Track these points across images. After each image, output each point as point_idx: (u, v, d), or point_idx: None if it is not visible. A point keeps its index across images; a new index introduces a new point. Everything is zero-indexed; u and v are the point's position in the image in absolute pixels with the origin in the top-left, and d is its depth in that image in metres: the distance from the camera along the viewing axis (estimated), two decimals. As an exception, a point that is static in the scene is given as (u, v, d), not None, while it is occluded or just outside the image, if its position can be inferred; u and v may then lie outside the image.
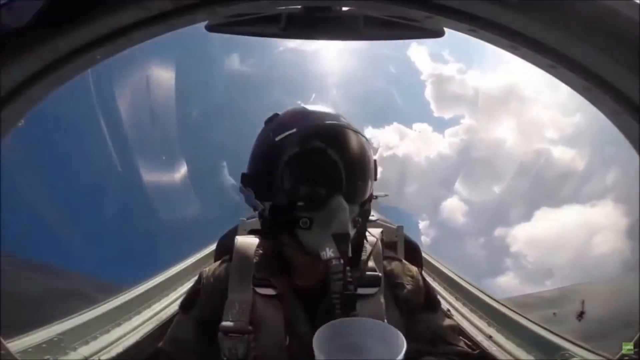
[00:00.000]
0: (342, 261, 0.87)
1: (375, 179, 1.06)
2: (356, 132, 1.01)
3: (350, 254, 0.89)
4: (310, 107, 1.04)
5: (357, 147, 0.99)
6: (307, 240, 0.94)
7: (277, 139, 0.98)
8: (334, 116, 1.02)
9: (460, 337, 1.16)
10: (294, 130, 0.96)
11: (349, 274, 0.89)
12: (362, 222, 1.00)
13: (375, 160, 1.06)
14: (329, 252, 0.87)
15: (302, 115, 1.02)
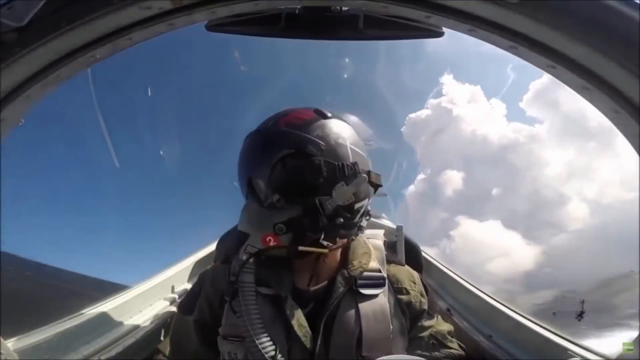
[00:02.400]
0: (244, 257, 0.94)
1: (348, 183, 0.92)
2: (312, 142, 0.93)
3: (256, 251, 0.93)
4: (291, 110, 1.04)
5: (292, 157, 0.93)
6: None
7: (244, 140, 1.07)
8: (298, 122, 0.97)
9: (460, 338, 1.17)
10: (248, 133, 1.05)
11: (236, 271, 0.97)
12: (295, 234, 0.92)
13: (351, 166, 0.95)
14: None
15: (269, 119, 1.04)
